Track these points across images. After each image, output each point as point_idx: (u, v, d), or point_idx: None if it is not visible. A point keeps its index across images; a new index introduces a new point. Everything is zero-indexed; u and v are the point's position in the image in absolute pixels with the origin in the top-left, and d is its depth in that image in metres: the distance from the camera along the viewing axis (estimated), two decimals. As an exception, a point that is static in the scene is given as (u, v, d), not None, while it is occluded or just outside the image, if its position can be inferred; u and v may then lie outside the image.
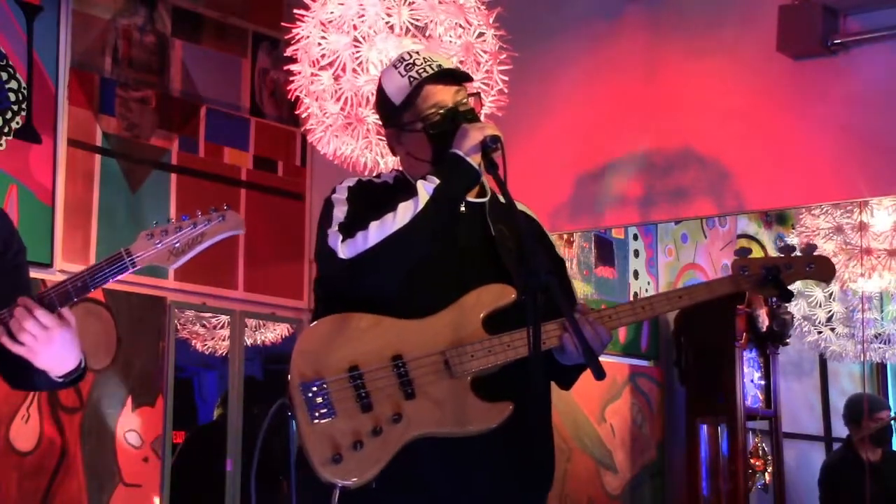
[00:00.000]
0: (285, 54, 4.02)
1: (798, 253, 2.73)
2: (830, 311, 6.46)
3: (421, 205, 2.47)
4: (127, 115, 4.90)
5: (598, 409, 6.50)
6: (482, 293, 2.53)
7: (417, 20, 3.81)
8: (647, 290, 6.88)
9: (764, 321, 6.92)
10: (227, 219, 2.36)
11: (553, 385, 2.68)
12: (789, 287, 2.65)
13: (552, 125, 4.86)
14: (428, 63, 2.64)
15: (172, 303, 4.95)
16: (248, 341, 5.31)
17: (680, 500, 6.98)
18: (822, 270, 2.70)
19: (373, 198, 2.58)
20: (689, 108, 4.58)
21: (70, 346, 2.33)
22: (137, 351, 4.81)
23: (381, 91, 2.71)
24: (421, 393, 2.46)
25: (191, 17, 5.19)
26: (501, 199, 2.59)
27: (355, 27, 3.81)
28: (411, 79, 2.62)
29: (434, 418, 2.45)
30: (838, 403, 7.06)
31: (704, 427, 6.93)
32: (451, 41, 3.82)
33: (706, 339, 6.86)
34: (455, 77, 2.68)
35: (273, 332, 5.44)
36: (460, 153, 2.52)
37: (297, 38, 3.93)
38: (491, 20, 3.94)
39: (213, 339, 5.28)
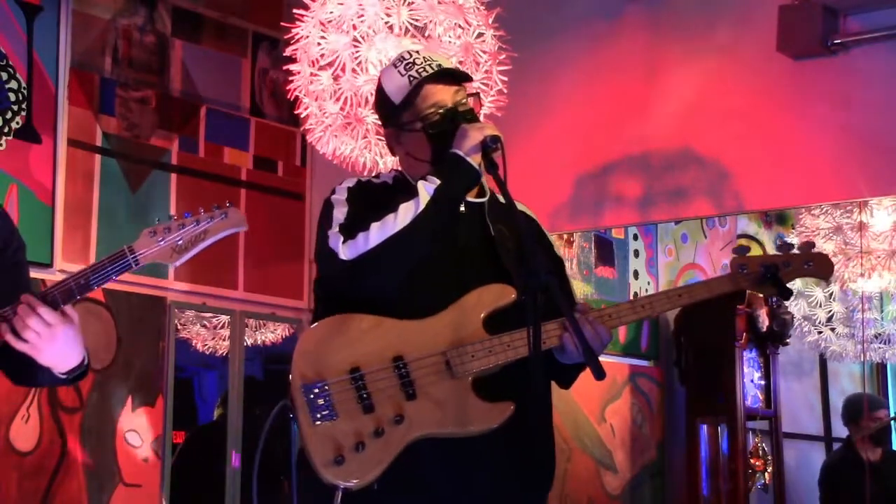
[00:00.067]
0: (285, 54, 4.02)
1: (796, 251, 2.72)
2: (830, 311, 6.46)
3: (422, 205, 2.47)
4: (127, 115, 4.89)
5: (598, 409, 6.50)
6: (482, 293, 2.53)
7: (417, 20, 3.81)
8: (647, 290, 6.87)
9: (764, 321, 6.91)
10: (230, 216, 2.36)
11: (553, 385, 2.68)
12: (788, 285, 2.65)
13: (552, 125, 4.85)
14: (428, 62, 2.64)
15: (172, 303, 4.95)
16: (249, 341, 5.31)
17: (680, 500, 6.97)
18: (820, 267, 2.69)
19: (372, 198, 2.58)
20: (689, 108, 4.57)
21: (73, 342, 2.33)
22: (137, 351, 4.80)
23: (380, 90, 2.71)
24: (422, 394, 2.46)
25: (191, 17, 5.19)
26: (501, 199, 2.59)
27: (355, 27, 3.81)
28: (411, 78, 2.62)
29: (435, 419, 2.45)
30: (838, 403, 7.05)
31: (704, 427, 6.93)
32: (450, 41, 3.82)
33: (706, 339, 6.86)
34: (455, 77, 2.67)
35: (273, 333, 5.44)
36: (460, 153, 2.52)
37: (296, 37, 3.93)
38: (490, 20, 3.94)
39: (213, 339, 5.28)
